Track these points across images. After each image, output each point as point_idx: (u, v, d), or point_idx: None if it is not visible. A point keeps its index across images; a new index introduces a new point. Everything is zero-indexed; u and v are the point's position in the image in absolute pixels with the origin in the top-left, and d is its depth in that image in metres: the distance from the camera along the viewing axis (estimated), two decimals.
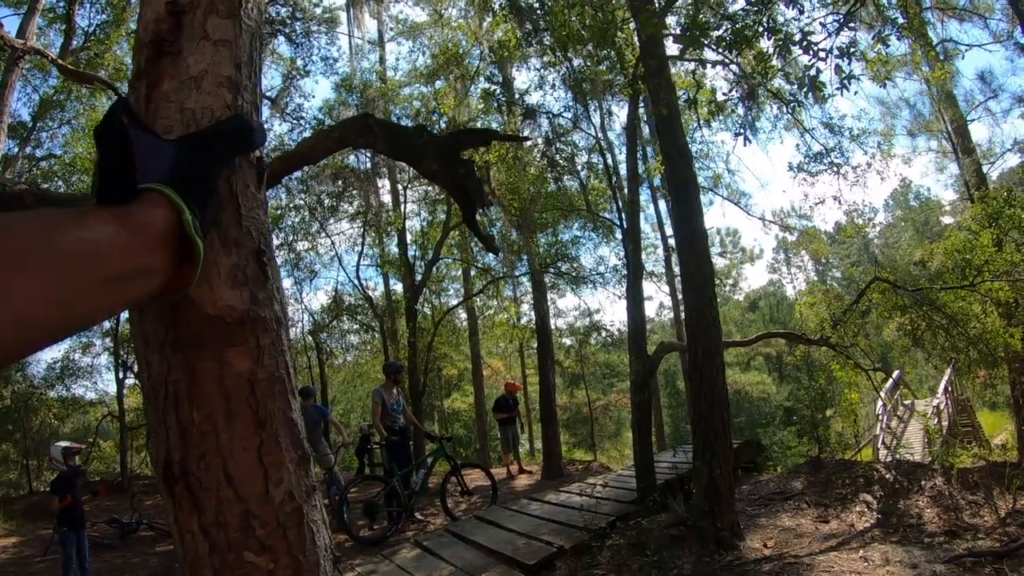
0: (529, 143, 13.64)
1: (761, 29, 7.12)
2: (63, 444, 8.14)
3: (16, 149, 14.54)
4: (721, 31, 7.19)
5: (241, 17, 1.08)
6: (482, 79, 14.93)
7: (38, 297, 0.57)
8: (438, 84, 16.20)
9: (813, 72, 7.18)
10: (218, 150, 0.91)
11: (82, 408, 21.64)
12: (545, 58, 12.18)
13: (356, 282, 17.89)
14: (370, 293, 20.43)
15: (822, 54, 7.04)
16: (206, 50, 1.02)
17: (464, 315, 24.06)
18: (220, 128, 0.95)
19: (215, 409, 0.91)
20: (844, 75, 7.08)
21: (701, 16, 7.30)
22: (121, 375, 17.66)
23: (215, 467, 0.91)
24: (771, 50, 7.49)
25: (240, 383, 0.93)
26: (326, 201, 17.62)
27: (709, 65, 8.62)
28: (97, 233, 0.67)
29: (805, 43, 7.00)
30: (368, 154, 16.24)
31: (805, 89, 7.62)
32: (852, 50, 7.14)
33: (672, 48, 9.23)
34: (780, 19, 7.63)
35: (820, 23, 7.22)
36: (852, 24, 7.33)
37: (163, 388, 0.93)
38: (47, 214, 0.66)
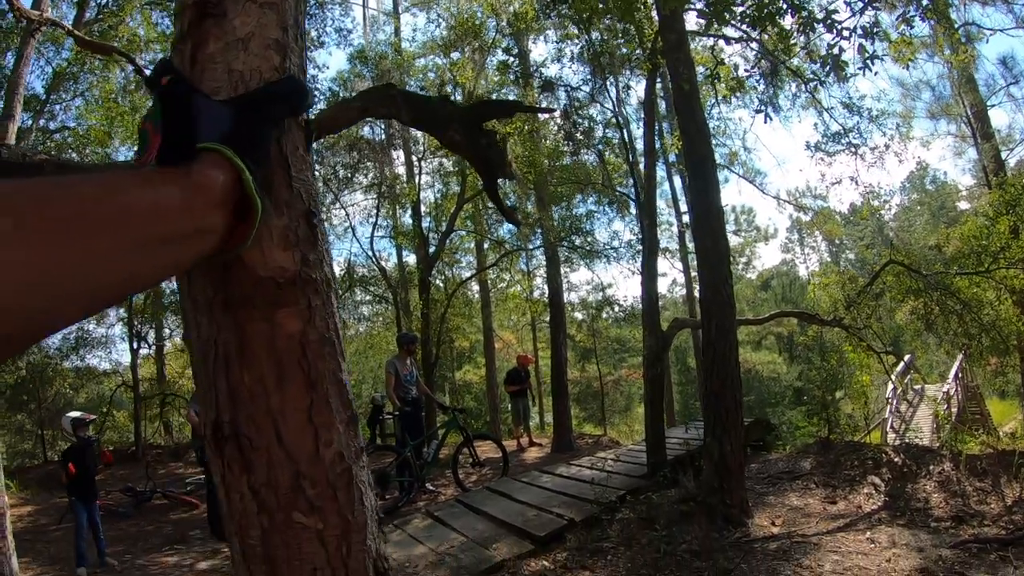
0: (546, 116, 13.59)
1: (785, 6, 7.03)
2: (73, 415, 8.13)
3: (30, 122, 14.51)
4: (744, 7, 7.10)
5: None
6: (499, 51, 14.84)
7: (108, 257, 0.58)
8: (454, 56, 16.09)
9: (836, 51, 7.11)
10: (271, 111, 0.91)
11: (96, 378, 21.74)
12: (563, 31, 12.09)
13: (370, 253, 17.89)
14: (383, 264, 20.49)
15: (845, 33, 6.96)
16: (252, 12, 1.01)
17: (477, 287, 24.10)
18: (272, 89, 0.95)
19: (265, 370, 0.92)
20: (867, 55, 7.00)
21: None
22: (135, 345, 17.77)
23: (266, 428, 0.92)
24: (794, 28, 7.39)
25: (291, 344, 0.93)
26: (340, 172, 17.55)
27: (730, 42, 8.51)
28: (161, 194, 0.67)
29: (829, 21, 6.92)
30: (383, 125, 16.18)
31: (827, 68, 7.53)
32: (875, 30, 7.05)
33: (692, 23, 9.14)
34: None
35: (845, 1, 7.12)
36: (876, 4, 7.21)
37: (213, 350, 0.94)
38: (110, 175, 0.66)
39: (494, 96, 15.70)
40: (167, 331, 20.89)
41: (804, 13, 7.10)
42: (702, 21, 7.26)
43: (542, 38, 16.32)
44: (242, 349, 0.92)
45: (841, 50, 7.08)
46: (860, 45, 6.99)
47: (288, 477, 0.92)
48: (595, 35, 10.95)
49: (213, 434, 0.95)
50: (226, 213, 0.76)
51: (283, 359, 0.93)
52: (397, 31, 19.69)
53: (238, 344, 0.92)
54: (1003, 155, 19.82)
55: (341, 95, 14.98)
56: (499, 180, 3.65)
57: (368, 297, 22.77)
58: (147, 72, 13.08)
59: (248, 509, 0.93)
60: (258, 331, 0.92)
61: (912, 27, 7.82)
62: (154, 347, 20.31)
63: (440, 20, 18.45)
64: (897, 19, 7.76)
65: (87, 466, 7.51)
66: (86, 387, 21.95)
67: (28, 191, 0.54)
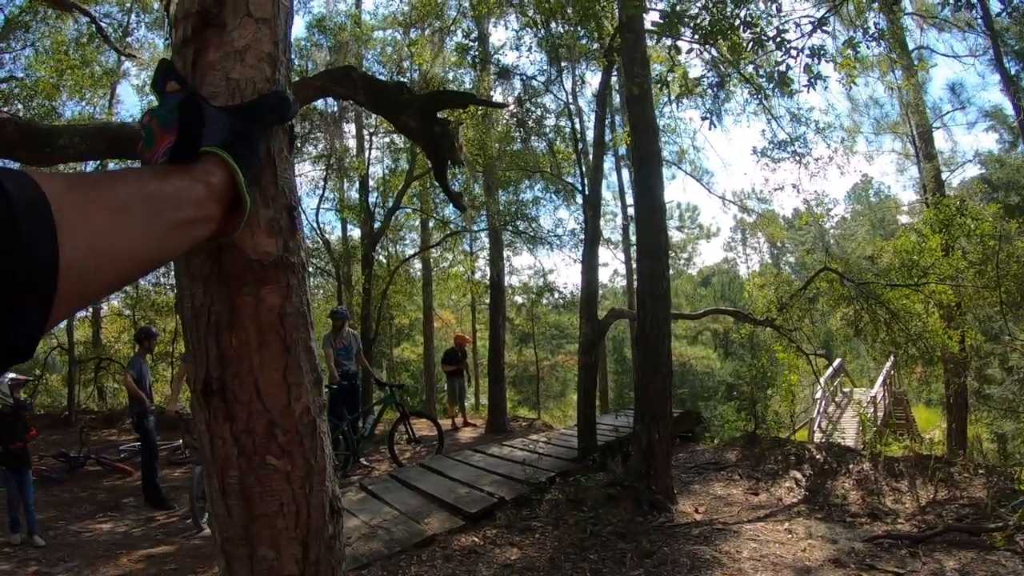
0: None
1: (737, 23, 7.29)
2: (9, 375, 7.75)
3: None
4: (699, 20, 7.32)
5: None
6: (459, 32, 14.87)
7: (140, 234, 0.73)
8: (413, 34, 16.03)
9: (783, 68, 7.38)
10: (263, 121, 1.07)
11: None
12: (524, 18, 12.19)
13: (314, 225, 17.80)
14: (327, 237, 20.40)
15: (794, 52, 7.22)
16: (249, 26, 1.15)
17: (419, 265, 24.07)
18: (265, 102, 1.10)
19: (250, 336, 1.10)
20: (813, 74, 7.28)
21: (680, 5, 7.43)
22: None
23: (248, 384, 1.10)
24: (747, 43, 7.64)
25: (272, 316, 1.11)
26: None
27: (681, 52, 8.74)
28: (179, 185, 0.84)
29: (779, 39, 7.18)
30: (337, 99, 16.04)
31: (773, 84, 7.81)
32: (823, 51, 7.33)
33: (651, 23, 9.36)
34: (758, 10, 7.82)
35: (795, 23, 7.39)
36: (826, 27, 7.49)
37: (206, 317, 1.11)
38: (137, 170, 0.84)
39: (450, 78, 15.72)
40: None
41: (757, 30, 7.36)
42: (655, 29, 7.45)
43: (503, 23, 16.36)
44: (231, 317, 1.09)
45: (788, 67, 7.34)
46: (807, 64, 7.27)
47: (264, 426, 1.11)
48: (555, 27, 11.09)
49: (203, 389, 1.12)
50: (223, 206, 0.93)
51: (264, 327, 1.11)
52: (358, 2, 19.53)
53: (228, 313, 1.09)
54: (944, 176, 20.48)
55: (297, 64, 14.84)
56: (449, 166, 3.81)
57: (311, 270, 22.56)
58: (103, 24, 12.88)
59: (229, 453, 1.12)
60: (245, 303, 1.09)
61: (857, 52, 8.12)
62: (90, 310, 19.76)
63: None
64: (843, 44, 8.05)
65: (16, 433, 7.08)
66: None
67: (96, 180, 0.72)
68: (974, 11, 10.03)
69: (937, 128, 21.01)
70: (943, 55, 18.99)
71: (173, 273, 1.66)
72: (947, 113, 21.72)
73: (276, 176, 1.14)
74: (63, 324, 17.52)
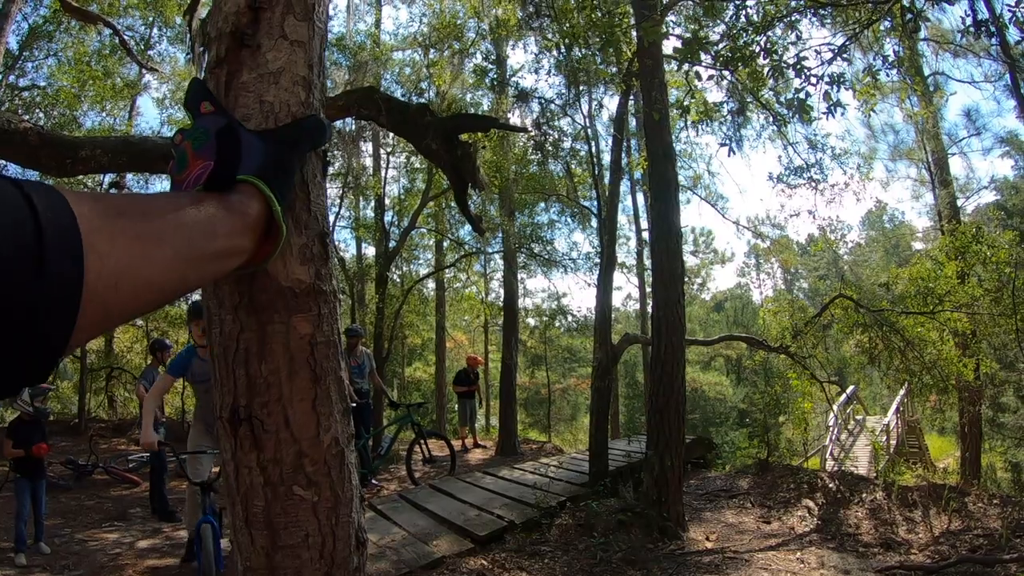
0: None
1: (758, 49, 7.30)
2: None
3: (0, 77, 14.29)
4: (719, 47, 7.35)
5: (314, 20, 1.20)
6: (478, 54, 14.96)
7: (169, 265, 0.72)
8: (432, 55, 16.14)
9: (803, 95, 7.37)
10: (299, 146, 1.06)
11: None
12: (544, 41, 12.25)
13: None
14: (342, 255, 20.44)
15: (813, 79, 7.21)
16: (283, 49, 1.14)
17: (433, 285, 24.09)
18: (302, 125, 1.09)
19: (280, 364, 1.08)
20: (832, 102, 7.28)
21: (701, 32, 7.45)
22: None
23: (276, 413, 1.08)
24: (766, 70, 7.64)
25: (302, 344, 1.10)
26: None
27: (701, 78, 8.74)
28: (213, 216, 0.82)
29: (799, 67, 7.18)
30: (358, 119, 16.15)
31: (793, 111, 7.80)
32: (842, 79, 7.33)
33: (670, 48, 9.39)
34: (776, 37, 7.83)
35: (815, 50, 7.39)
36: (845, 55, 7.49)
37: (235, 344, 1.09)
38: (171, 195, 0.82)
39: (467, 99, 15.80)
40: None
41: (776, 57, 7.36)
42: (675, 56, 7.47)
43: (521, 45, 16.44)
44: (262, 345, 1.08)
45: (808, 95, 7.33)
46: (826, 92, 7.27)
47: (292, 456, 1.09)
48: (575, 51, 11.12)
49: (230, 416, 1.10)
50: (256, 237, 0.92)
51: (295, 356, 1.09)
52: (378, 22, 19.68)
53: (258, 341, 1.08)
54: (959, 202, 20.40)
55: None
56: (468, 188, 3.81)
57: None
58: (126, 37, 13.01)
59: (255, 482, 1.10)
60: (276, 331, 1.08)
61: (877, 79, 8.12)
62: None
63: (423, 16, 18.50)
64: (864, 72, 8.05)
65: (35, 441, 6.92)
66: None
67: (129, 203, 0.70)
68: (992, 39, 9.96)
69: (953, 154, 20.98)
70: (959, 81, 19.09)
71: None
72: (963, 139, 21.69)
73: (309, 202, 1.13)
74: None
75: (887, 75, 8.45)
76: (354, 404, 9.71)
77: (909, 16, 6.74)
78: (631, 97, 11.26)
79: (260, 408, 1.08)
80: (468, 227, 19.24)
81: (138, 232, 0.67)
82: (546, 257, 19.05)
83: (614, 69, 11.28)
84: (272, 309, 1.07)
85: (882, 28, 8.81)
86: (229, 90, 1.13)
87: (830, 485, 8.91)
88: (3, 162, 8.59)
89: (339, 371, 1.16)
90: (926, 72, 17.91)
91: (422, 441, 10.24)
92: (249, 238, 0.90)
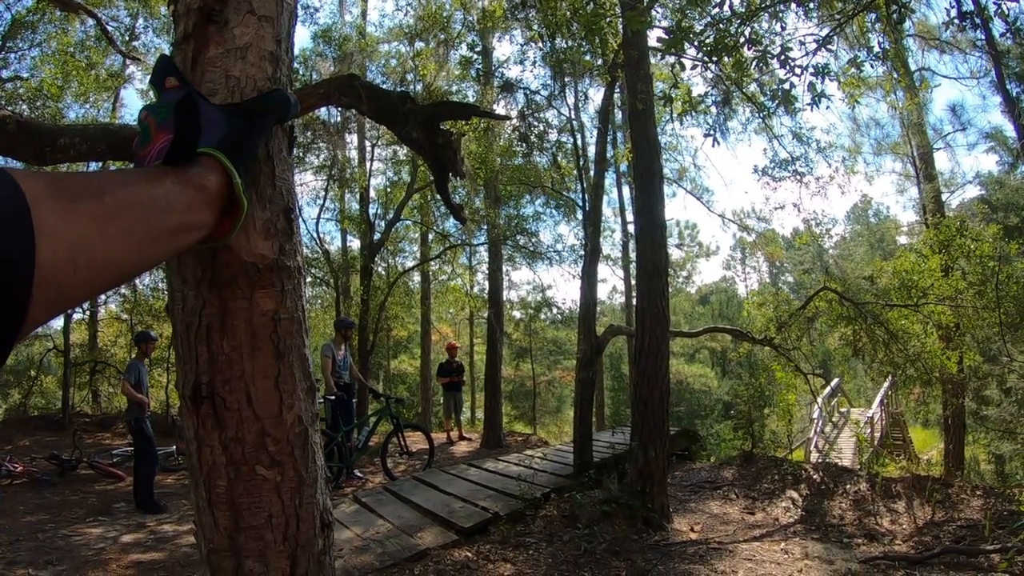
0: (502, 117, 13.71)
1: (742, 40, 7.29)
2: None
3: None
4: (704, 38, 7.32)
5: None
6: (464, 45, 14.91)
7: (124, 242, 0.70)
8: (418, 45, 16.07)
9: (787, 86, 7.36)
10: (263, 119, 1.04)
11: (25, 340, 21.11)
12: (529, 32, 12.21)
13: (314, 235, 17.77)
14: (327, 247, 20.38)
15: (798, 70, 7.19)
16: (251, 24, 1.13)
17: (418, 278, 24.08)
18: (266, 100, 1.07)
19: (242, 341, 1.06)
20: (816, 93, 7.27)
21: (685, 22, 7.43)
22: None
23: (238, 390, 1.06)
24: (750, 61, 7.63)
25: (265, 321, 1.08)
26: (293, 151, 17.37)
27: (685, 69, 8.71)
28: (169, 191, 0.80)
29: (783, 58, 7.17)
30: (339, 108, 16.06)
31: (777, 102, 7.80)
32: (827, 70, 7.32)
33: (655, 39, 9.38)
34: (761, 30, 7.81)
35: (800, 41, 7.39)
36: (830, 46, 7.49)
37: (197, 320, 1.07)
38: (126, 172, 0.80)
39: (454, 90, 15.74)
40: (102, 296, 20.36)
41: (761, 47, 7.35)
42: (660, 46, 7.43)
43: (507, 37, 16.38)
44: (224, 321, 1.06)
45: (792, 85, 7.32)
46: (810, 83, 7.26)
47: (254, 434, 1.07)
48: (560, 42, 11.09)
49: (192, 394, 1.08)
50: (216, 210, 0.90)
51: (257, 332, 1.07)
52: (364, 14, 19.60)
53: (220, 317, 1.06)
54: (944, 197, 20.49)
55: (302, 74, 14.86)
56: (450, 178, 3.78)
57: (309, 279, 22.57)
58: (109, 27, 12.89)
59: (217, 462, 1.08)
60: (238, 307, 1.06)
61: (861, 71, 8.11)
62: (87, 312, 19.67)
63: (408, 6, 18.43)
64: (848, 63, 8.05)
65: None
66: (14, 349, 21.26)
67: (82, 182, 0.68)
68: (977, 31, 9.99)
69: (938, 149, 21.05)
70: (945, 76, 19.14)
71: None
72: (948, 134, 21.77)
73: (274, 176, 1.11)
74: (59, 326, 17.54)
75: (872, 67, 8.47)
76: (332, 396, 9.67)
77: (894, 7, 6.75)
78: (616, 89, 11.24)
79: (222, 385, 1.06)
80: (453, 220, 19.22)
81: (93, 211, 0.66)
82: (531, 249, 19.07)
83: (600, 61, 11.27)
84: (235, 284, 1.05)
85: (867, 21, 8.83)
86: (196, 65, 1.11)
87: (814, 476, 8.95)
88: None
89: (303, 349, 1.14)
90: (912, 68, 17.99)
91: (399, 434, 10.24)
92: (208, 212, 0.88)
